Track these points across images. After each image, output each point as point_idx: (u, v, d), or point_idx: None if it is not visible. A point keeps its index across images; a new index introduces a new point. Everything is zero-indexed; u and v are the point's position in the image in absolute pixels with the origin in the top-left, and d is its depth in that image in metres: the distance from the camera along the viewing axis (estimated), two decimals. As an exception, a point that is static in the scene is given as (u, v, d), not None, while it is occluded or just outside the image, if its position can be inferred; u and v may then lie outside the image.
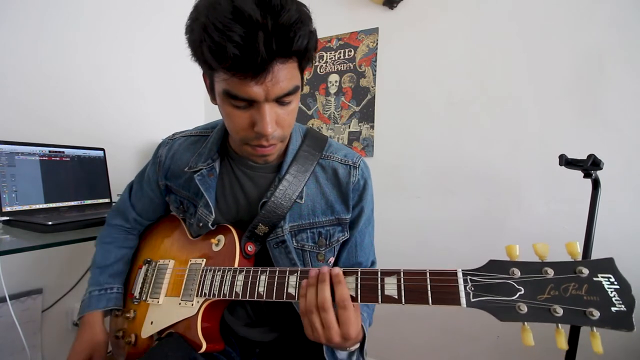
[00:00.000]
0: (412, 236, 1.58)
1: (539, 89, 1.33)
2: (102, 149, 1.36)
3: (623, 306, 0.38)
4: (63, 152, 1.23)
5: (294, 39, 0.50)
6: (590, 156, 0.93)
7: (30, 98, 1.28)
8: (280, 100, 0.56)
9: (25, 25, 1.26)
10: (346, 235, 0.72)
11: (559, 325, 0.41)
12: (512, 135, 1.38)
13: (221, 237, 0.69)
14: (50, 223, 0.91)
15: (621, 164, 1.19)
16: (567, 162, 0.98)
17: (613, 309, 0.39)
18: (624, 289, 0.39)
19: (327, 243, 0.71)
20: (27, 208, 1.10)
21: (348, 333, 0.51)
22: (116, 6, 1.55)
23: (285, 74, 0.53)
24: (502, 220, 1.39)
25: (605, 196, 0.97)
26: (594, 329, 0.40)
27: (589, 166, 0.93)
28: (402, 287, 0.49)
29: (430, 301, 0.47)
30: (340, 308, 0.51)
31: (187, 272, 0.71)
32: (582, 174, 0.97)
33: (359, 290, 0.52)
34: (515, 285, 0.43)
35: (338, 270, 0.53)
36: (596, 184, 0.96)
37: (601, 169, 0.93)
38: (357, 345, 0.60)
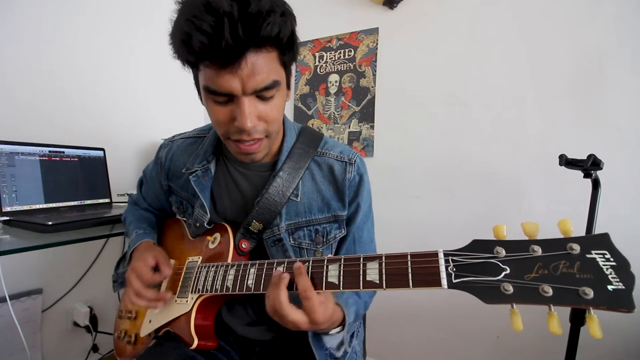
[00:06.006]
0: (412, 236, 1.58)
1: (539, 89, 1.33)
2: (102, 149, 1.36)
3: (621, 284, 0.35)
4: (63, 152, 1.23)
5: (262, 26, 0.50)
6: (590, 156, 0.93)
7: (30, 98, 1.28)
8: (260, 95, 0.56)
9: (26, 25, 1.26)
10: (343, 232, 0.72)
11: (551, 307, 0.38)
12: (512, 135, 1.38)
13: (217, 235, 0.70)
14: (50, 223, 0.91)
15: (621, 164, 1.19)
16: (567, 162, 0.99)
17: (609, 287, 0.35)
18: (622, 266, 0.36)
19: (324, 240, 0.71)
20: (27, 208, 1.10)
21: (315, 319, 0.51)
22: (117, 6, 1.55)
23: (261, 66, 0.53)
24: (502, 221, 1.36)
25: (605, 196, 0.97)
26: (591, 311, 0.36)
27: (589, 166, 0.93)
28: (384, 272, 0.48)
29: (410, 284, 0.45)
30: (303, 299, 0.51)
31: (184, 270, 0.72)
32: (582, 174, 0.97)
33: (341, 278, 0.51)
34: (500, 264, 0.41)
35: (299, 264, 0.53)
36: (596, 184, 0.95)
37: (601, 169, 0.93)
38: (339, 329, 0.60)
